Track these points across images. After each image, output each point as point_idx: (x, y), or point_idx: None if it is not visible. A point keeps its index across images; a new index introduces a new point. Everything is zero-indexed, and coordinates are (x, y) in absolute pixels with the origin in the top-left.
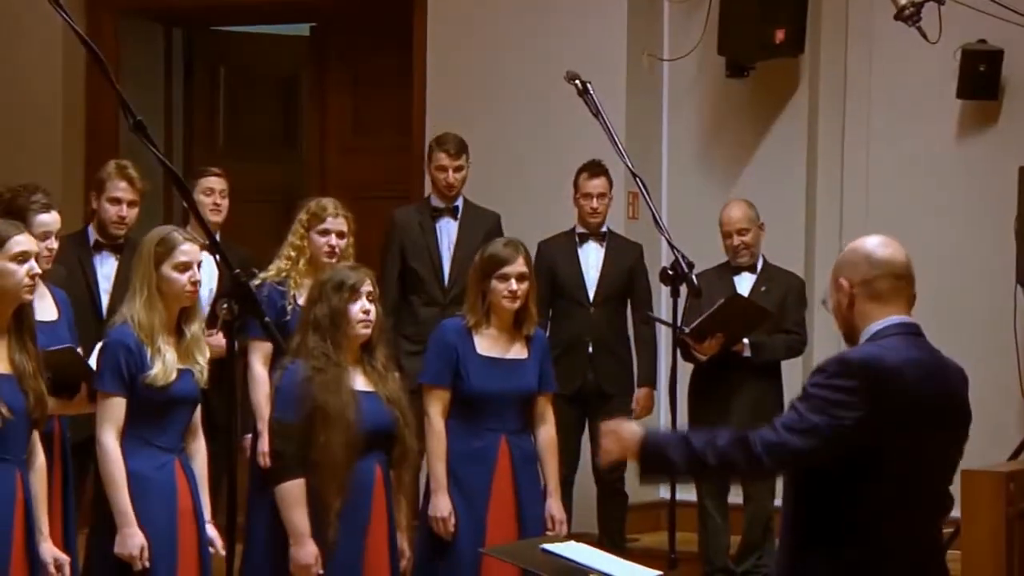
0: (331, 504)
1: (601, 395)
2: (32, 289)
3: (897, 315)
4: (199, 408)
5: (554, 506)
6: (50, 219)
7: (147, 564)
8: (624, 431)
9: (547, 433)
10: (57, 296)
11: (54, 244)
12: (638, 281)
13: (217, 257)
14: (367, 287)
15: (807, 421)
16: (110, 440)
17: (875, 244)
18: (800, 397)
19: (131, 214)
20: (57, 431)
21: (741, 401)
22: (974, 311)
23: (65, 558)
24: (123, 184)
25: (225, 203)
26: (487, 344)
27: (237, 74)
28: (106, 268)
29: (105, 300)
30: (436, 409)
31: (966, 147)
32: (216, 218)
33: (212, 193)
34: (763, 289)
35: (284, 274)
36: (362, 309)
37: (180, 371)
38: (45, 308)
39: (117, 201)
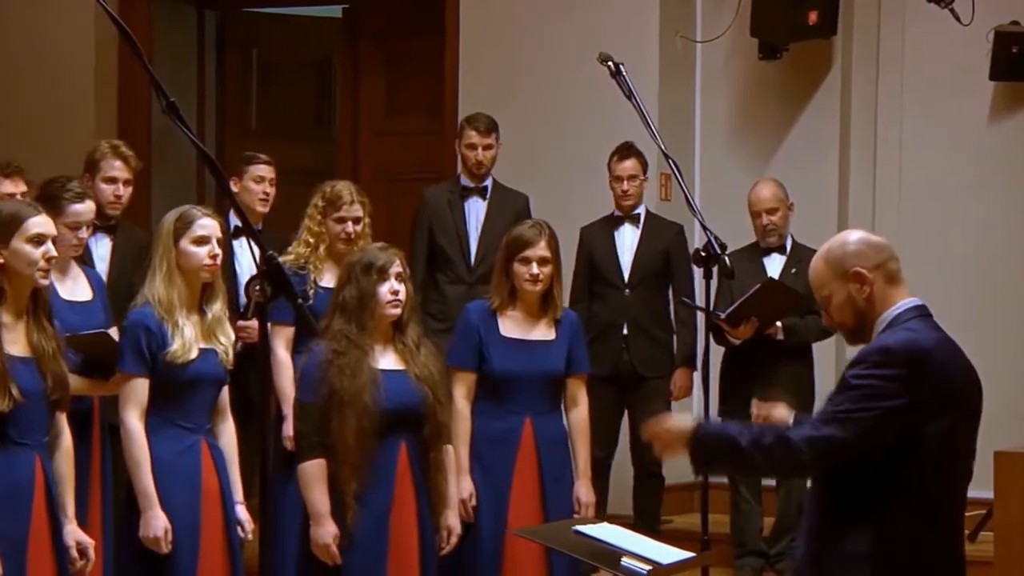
0: (347, 487)
1: (638, 377)
2: (46, 273)
3: (907, 297)
4: (226, 389)
5: (582, 489)
6: (83, 208)
7: (170, 547)
8: (671, 431)
9: (579, 415)
10: (91, 277)
11: (84, 234)
12: (677, 261)
13: (255, 247)
14: (396, 268)
15: (851, 411)
16: (133, 421)
17: (860, 234)
18: (839, 389)
19: (126, 193)
20: (96, 413)
21: (774, 384)
22: (1006, 291)
23: (89, 541)
24: (118, 163)
25: (272, 191)
26: (511, 326)
27: (270, 56)
28: (101, 249)
29: (104, 281)
30: (460, 391)
31: (999, 129)
32: (263, 208)
33: (262, 182)
34: (793, 271)
35: (303, 260)
36: (390, 290)
37: (203, 350)
38: (79, 289)
39: (113, 180)
